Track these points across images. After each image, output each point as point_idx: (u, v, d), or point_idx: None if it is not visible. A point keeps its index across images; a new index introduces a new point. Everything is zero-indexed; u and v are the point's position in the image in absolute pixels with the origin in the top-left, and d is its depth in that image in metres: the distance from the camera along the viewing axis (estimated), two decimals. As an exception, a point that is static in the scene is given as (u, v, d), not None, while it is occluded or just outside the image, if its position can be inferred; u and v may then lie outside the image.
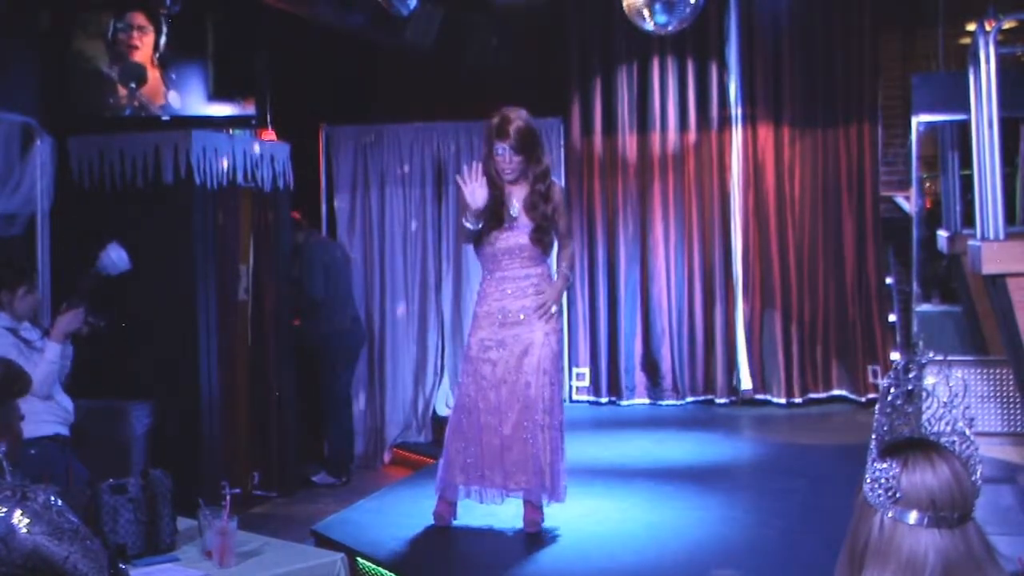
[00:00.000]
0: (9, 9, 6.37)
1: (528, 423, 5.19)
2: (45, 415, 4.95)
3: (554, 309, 5.32)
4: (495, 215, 5.25)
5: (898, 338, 8.63)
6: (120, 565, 2.81)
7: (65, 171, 6.52)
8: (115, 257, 5.73)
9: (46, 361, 4.98)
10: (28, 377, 3.80)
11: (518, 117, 5.21)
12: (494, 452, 5.24)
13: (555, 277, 5.38)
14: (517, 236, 5.27)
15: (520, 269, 5.29)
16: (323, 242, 7.90)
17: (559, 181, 6.54)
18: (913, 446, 1.78)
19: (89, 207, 6.57)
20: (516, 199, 5.28)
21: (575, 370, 9.00)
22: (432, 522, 5.41)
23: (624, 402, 8.87)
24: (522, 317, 5.25)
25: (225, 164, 6.69)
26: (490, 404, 5.26)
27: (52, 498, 2.31)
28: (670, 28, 6.86)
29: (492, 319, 5.29)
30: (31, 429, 3.77)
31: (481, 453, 5.27)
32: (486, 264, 5.38)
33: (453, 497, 5.39)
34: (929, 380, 1.80)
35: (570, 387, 8.92)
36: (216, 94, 7.00)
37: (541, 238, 5.29)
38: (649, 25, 6.84)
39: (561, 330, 5.44)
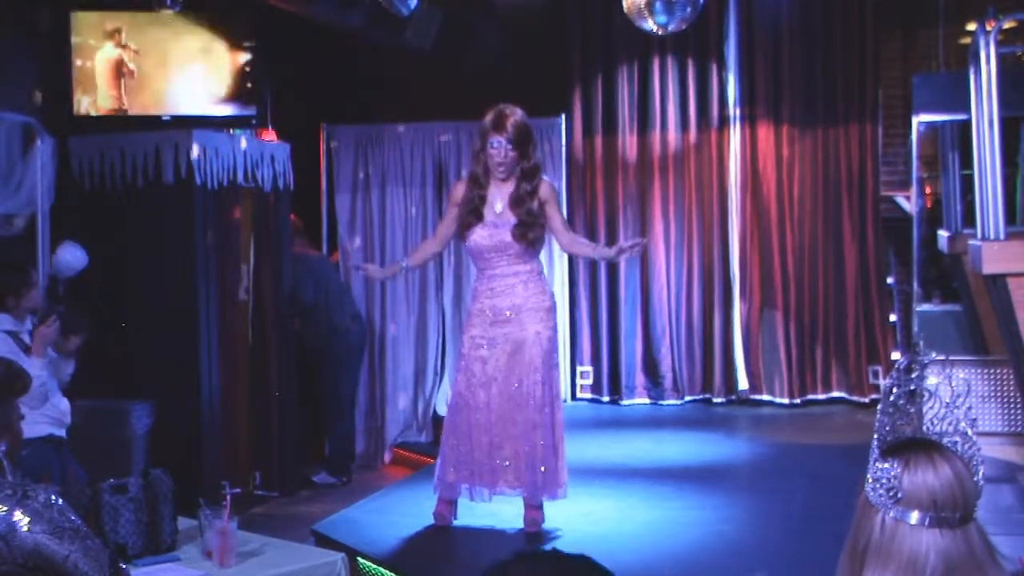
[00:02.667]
0: (9, 9, 6.37)
1: (520, 421, 5.19)
2: (38, 416, 4.97)
3: (548, 303, 5.32)
4: (475, 212, 5.25)
5: (899, 338, 8.62)
6: (120, 565, 2.80)
7: (66, 171, 6.52)
8: (68, 257, 5.72)
9: (31, 376, 5.00)
10: (28, 376, 3.81)
11: (514, 112, 5.23)
12: (483, 450, 5.24)
13: (548, 274, 5.41)
14: (500, 233, 5.24)
15: (507, 267, 5.27)
16: (308, 256, 7.81)
17: (553, 179, 6.53)
18: (915, 446, 1.78)
19: (89, 207, 6.57)
20: (502, 196, 5.28)
21: (579, 368, 8.99)
22: (432, 522, 5.41)
23: (625, 402, 8.86)
24: (510, 315, 5.24)
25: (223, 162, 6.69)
26: (480, 402, 5.26)
27: (53, 497, 2.31)
28: (671, 28, 6.85)
29: (483, 317, 5.29)
30: (24, 430, 3.78)
31: (471, 450, 5.27)
32: (476, 262, 5.40)
33: (452, 496, 5.38)
34: (931, 380, 1.80)
35: (574, 386, 8.92)
36: (216, 94, 7.01)
37: (524, 233, 5.24)
38: (649, 25, 6.83)
39: (556, 327, 5.38)
